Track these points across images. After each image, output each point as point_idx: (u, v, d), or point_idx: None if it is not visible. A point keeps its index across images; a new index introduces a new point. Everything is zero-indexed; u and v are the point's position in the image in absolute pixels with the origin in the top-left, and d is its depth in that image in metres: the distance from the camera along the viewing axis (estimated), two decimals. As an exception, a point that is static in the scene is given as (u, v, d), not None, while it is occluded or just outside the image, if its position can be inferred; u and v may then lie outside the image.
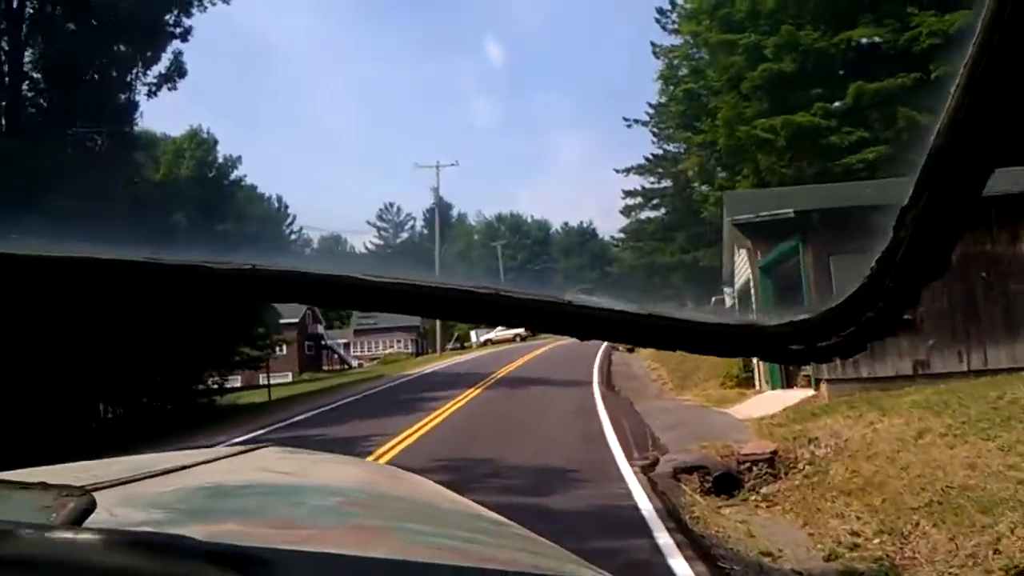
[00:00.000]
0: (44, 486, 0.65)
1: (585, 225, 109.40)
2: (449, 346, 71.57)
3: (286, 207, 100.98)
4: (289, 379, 59.43)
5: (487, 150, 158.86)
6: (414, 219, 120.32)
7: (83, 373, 21.47)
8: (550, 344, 47.02)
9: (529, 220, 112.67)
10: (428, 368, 37.78)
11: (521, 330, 61.23)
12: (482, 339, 65.46)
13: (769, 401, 15.92)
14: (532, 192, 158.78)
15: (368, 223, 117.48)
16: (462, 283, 0.67)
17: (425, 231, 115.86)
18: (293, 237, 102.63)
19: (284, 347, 64.20)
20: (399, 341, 79.16)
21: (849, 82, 32.96)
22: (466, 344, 70.45)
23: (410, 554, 0.94)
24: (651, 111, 59.09)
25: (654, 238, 63.49)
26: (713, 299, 53.37)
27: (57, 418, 20.42)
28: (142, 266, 0.68)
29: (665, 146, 60.45)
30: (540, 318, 0.68)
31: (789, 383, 17.07)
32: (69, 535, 0.52)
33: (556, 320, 0.67)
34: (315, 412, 21.54)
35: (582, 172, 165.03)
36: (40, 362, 18.96)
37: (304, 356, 68.58)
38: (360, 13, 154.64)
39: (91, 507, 0.61)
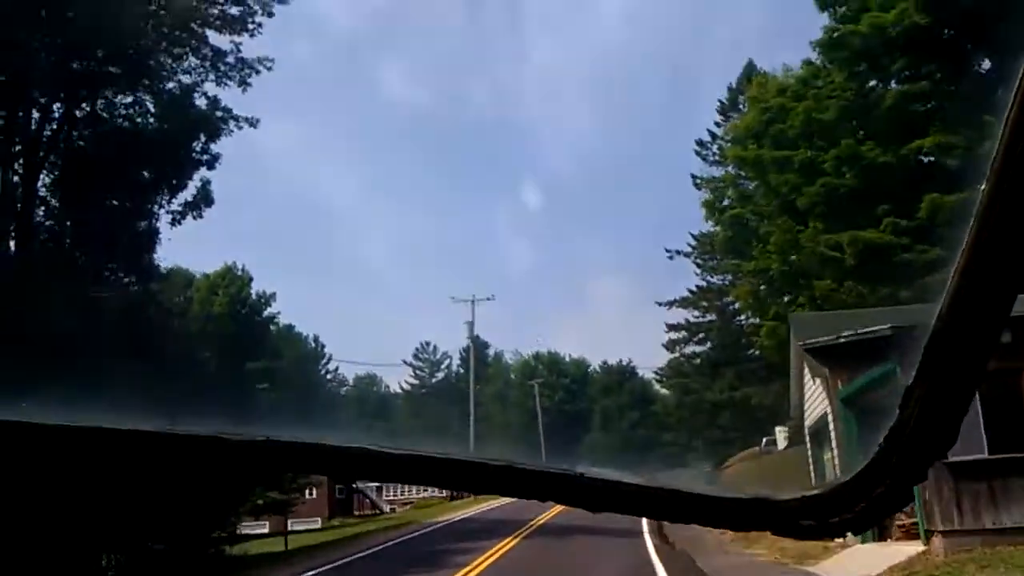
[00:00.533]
0: None
1: (624, 363, 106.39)
2: (485, 488, 67.97)
3: (323, 347, 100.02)
4: (318, 524, 57.84)
5: (525, 292, 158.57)
6: (450, 358, 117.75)
7: (88, 519, 20.33)
8: None
9: (567, 359, 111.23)
10: (462, 514, 35.10)
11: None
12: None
13: (865, 557, 13.31)
14: (570, 333, 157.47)
15: (404, 362, 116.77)
16: (474, 456, 0.71)
17: (461, 370, 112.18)
18: (329, 377, 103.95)
19: (314, 491, 62.06)
20: None
21: (923, 195, 30.57)
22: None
23: None
24: (694, 241, 57.44)
25: (700, 373, 61.92)
26: (764, 440, 50.22)
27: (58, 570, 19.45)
28: (157, 437, 0.71)
29: (709, 278, 59.08)
30: (552, 491, 0.71)
31: (882, 535, 14.30)
32: None
33: (568, 493, 0.70)
34: (329, 567, 19.08)
35: (621, 311, 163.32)
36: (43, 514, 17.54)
37: (334, 500, 66.11)
38: (397, 160, 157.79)
39: None
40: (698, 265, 59.42)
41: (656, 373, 66.24)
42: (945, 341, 0.54)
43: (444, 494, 74.58)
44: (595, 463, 0.68)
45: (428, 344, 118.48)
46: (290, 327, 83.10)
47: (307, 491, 64.21)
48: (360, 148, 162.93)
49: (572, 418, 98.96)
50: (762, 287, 41.90)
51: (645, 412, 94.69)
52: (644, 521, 23.82)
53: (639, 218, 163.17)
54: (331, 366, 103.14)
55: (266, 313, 60.38)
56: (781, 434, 48.05)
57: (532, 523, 25.34)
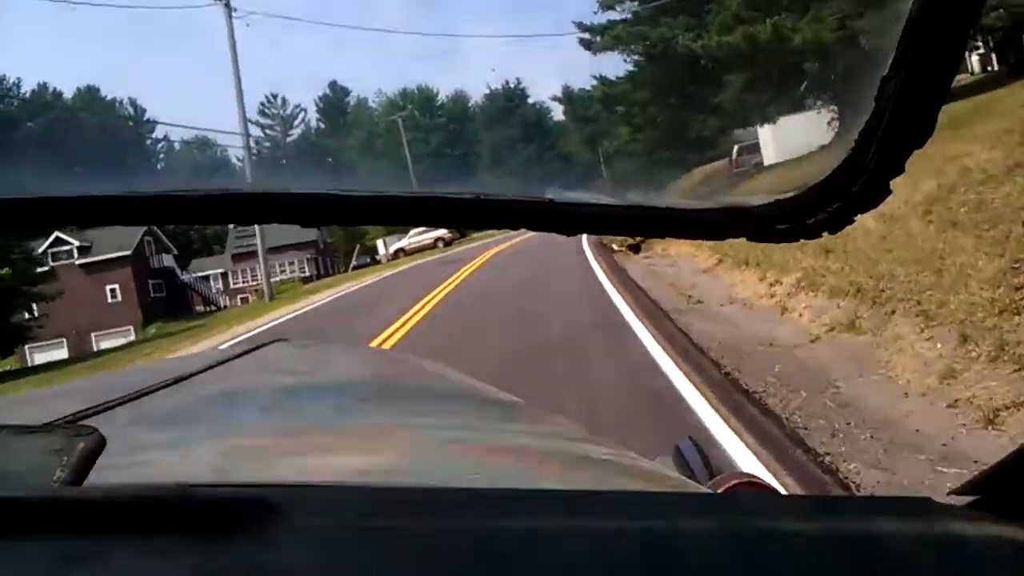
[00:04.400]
0: (50, 428, 0.77)
1: (513, 86, 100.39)
2: (354, 263, 63.44)
3: (143, 111, 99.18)
4: (132, 336, 54.24)
5: (391, 41, 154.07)
6: (304, 111, 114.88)
7: None
8: (495, 247, 37.17)
9: (443, 98, 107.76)
10: (269, 320, 27.03)
11: (444, 232, 53.11)
12: (392, 249, 57.08)
13: None
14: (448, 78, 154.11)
15: (249, 121, 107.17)
16: (440, 190, 0.79)
17: (322, 125, 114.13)
18: (161, 146, 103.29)
19: (116, 291, 55.71)
20: (291, 263, 71.45)
21: None
22: (377, 257, 61.86)
23: (418, 452, 1.10)
24: None
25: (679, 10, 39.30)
26: (736, 147, 40.07)
27: None
28: (117, 200, 0.79)
29: None
30: (522, 218, 0.79)
31: None
32: (74, 493, 0.62)
33: (539, 218, 0.79)
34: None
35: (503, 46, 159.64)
36: None
37: (147, 301, 59.59)
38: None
39: (100, 446, 0.71)
40: None
41: (586, 29, 41.01)
42: (921, 26, 0.58)
43: (307, 272, 69.24)
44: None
45: (276, 97, 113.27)
46: (94, 89, 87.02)
47: (109, 292, 58.03)
48: None
49: (454, 162, 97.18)
50: None
51: (543, 144, 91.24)
52: (629, 315, 13.24)
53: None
54: (159, 133, 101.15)
55: None
56: (771, 133, 36.44)
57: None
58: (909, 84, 0.60)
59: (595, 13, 40.60)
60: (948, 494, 0.63)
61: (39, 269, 46.75)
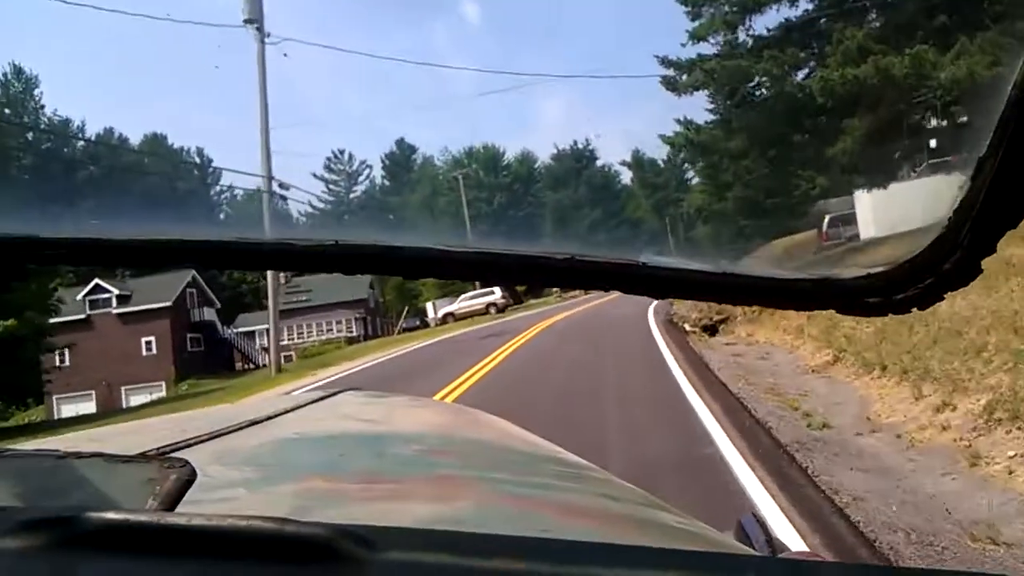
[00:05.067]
0: (145, 458, 0.87)
1: (581, 147, 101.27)
2: (403, 324, 63.32)
3: (210, 161, 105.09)
4: (163, 392, 55.17)
5: (468, 110, 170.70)
6: (370, 168, 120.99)
7: None
8: (550, 319, 34.90)
9: (509, 157, 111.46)
10: (337, 372, 27.06)
11: (498, 297, 53.11)
12: (441, 313, 57.05)
13: None
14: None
15: (314, 176, 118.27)
16: (536, 249, 0.85)
17: (387, 182, 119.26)
18: (224, 196, 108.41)
19: (152, 344, 56.08)
20: (339, 322, 71.87)
21: None
22: (426, 319, 62.23)
23: (487, 505, 1.17)
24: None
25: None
26: (827, 217, 36.16)
27: None
28: (155, 244, 0.86)
29: None
30: (615, 280, 0.85)
31: None
32: (179, 519, 0.67)
33: (631, 281, 0.85)
34: None
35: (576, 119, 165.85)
36: None
37: (183, 356, 59.88)
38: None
39: (192, 478, 0.78)
40: None
41: (671, 68, 34.32)
42: (1021, 110, 0.61)
43: (354, 332, 69.45)
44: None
45: (342, 152, 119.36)
46: (161, 137, 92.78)
47: (144, 344, 58.56)
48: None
49: (518, 224, 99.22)
50: None
51: (609, 209, 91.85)
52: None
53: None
54: (224, 182, 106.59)
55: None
56: (871, 202, 31.23)
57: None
58: (1006, 165, 0.63)
59: (683, 46, 34.15)
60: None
61: (59, 319, 46.86)
